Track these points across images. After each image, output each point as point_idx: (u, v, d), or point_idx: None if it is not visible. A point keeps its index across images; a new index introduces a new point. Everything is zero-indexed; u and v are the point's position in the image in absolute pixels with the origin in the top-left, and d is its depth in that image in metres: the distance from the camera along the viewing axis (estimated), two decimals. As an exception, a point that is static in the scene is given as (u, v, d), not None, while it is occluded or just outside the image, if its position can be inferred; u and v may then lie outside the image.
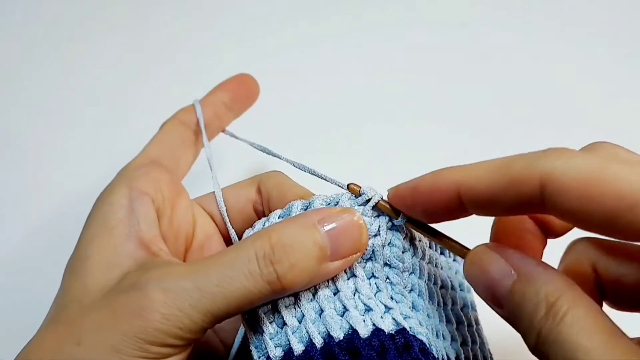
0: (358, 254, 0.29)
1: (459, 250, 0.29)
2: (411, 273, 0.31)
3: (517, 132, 0.57)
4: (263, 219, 0.32)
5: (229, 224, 0.36)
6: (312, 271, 0.28)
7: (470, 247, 0.28)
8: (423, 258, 0.31)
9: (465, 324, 0.34)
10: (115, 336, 0.26)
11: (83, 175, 0.54)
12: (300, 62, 0.62)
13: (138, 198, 0.32)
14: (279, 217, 0.31)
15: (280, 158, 0.35)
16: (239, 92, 0.41)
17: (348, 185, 0.31)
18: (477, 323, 0.36)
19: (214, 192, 0.38)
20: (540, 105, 0.60)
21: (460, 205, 0.27)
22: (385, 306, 0.29)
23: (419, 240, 0.32)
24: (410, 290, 0.31)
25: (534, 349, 0.25)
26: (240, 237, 0.35)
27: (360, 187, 0.30)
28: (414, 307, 0.30)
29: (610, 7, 0.67)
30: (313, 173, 0.33)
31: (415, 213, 0.29)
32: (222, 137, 0.41)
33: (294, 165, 0.34)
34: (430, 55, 0.64)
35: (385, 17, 0.67)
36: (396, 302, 0.29)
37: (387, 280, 0.30)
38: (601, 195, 0.23)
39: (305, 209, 0.31)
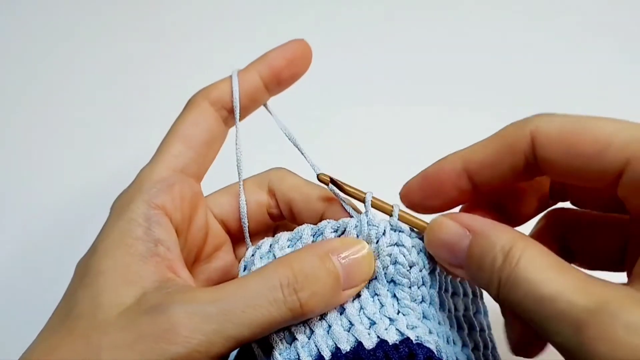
0: (364, 283, 0.31)
1: (420, 225, 0.32)
2: (421, 285, 0.32)
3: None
4: (269, 239, 0.34)
5: (248, 241, 0.37)
6: (328, 299, 0.30)
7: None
8: (434, 269, 0.33)
9: (478, 329, 0.35)
10: (135, 357, 0.26)
11: (88, 175, 0.54)
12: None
13: (156, 218, 0.31)
14: (287, 240, 0.33)
15: (307, 161, 0.35)
16: (284, 72, 0.35)
17: (317, 176, 0.33)
18: (489, 328, 0.37)
19: (221, 191, 0.37)
20: (540, 100, 0.60)
21: (467, 183, 0.30)
22: (390, 319, 0.31)
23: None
24: (421, 302, 0.32)
25: (497, 297, 0.28)
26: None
27: (329, 177, 0.33)
28: (424, 317, 0.32)
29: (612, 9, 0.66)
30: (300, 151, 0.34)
31: (427, 205, 0.32)
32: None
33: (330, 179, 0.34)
34: (422, 37, 0.64)
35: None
36: (403, 314, 0.31)
37: (393, 296, 0.32)
38: (579, 140, 0.27)
39: (314, 234, 0.33)
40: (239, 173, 0.36)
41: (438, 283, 0.33)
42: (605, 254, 0.33)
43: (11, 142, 0.57)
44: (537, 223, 0.35)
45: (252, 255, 0.33)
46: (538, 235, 0.34)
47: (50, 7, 0.66)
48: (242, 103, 0.35)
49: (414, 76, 0.61)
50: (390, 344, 0.29)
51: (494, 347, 0.36)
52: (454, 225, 0.30)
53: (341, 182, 0.33)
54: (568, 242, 0.34)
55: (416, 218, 0.32)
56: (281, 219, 0.37)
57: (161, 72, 0.61)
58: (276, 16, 0.66)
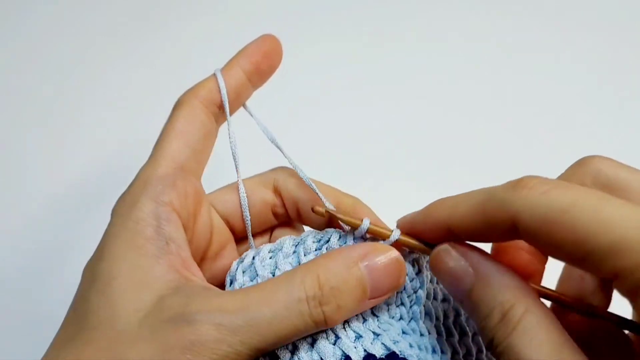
0: (392, 293, 0.31)
1: (423, 249, 0.31)
2: (400, 305, 0.32)
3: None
4: (252, 251, 0.34)
5: (251, 239, 0.37)
6: (353, 309, 0.29)
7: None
8: (422, 285, 0.33)
9: (470, 334, 0.35)
10: None
11: (83, 176, 0.55)
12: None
13: (166, 216, 0.30)
14: (269, 252, 0.33)
15: (284, 155, 0.34)
16: (262, 65, 0.36)
17: (312, 208, 0.32)
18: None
19: (225, 188, 0.36)
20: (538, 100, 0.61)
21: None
22: (374, 333, 0.30)
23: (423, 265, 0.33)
24: (399, 319, 0.32)
25: (487, 349, 0.27)
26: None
27: (326, 211, 0.32)
28: (403, 332, 0.32)
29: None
30: (306, 181, 0.34)
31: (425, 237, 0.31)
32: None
33: (290, 164, 0.34)
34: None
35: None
36: (384, 330, 0.31)
37: (372, 313, 0.32)
38: (562, 241, 0.24)
39: (296, 245, 0.32)
40: (236, 169, 0.36)
41: (426, 293, 0.33)
42: None
43: (12, 142, 0.58)
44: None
45: (236, 269, 0.33)
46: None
47: (62, 9, 0.67)
48: (230, 98, 0.35)
49: (410, 76, 0.61)
50: (377, 357, 0.29)
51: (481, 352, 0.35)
52: (459, 260, 0.29)
53: (338, 215, 0.32)
54: None
55: (418, 243, 0.31)
56: (285, 218, 0.37)
57: (162, 72, 0.62)
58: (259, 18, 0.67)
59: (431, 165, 0.55)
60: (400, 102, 0.60)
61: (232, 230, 0.37)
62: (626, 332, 0.30)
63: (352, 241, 0.32)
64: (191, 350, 0.26)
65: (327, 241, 0.32)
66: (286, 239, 0.33)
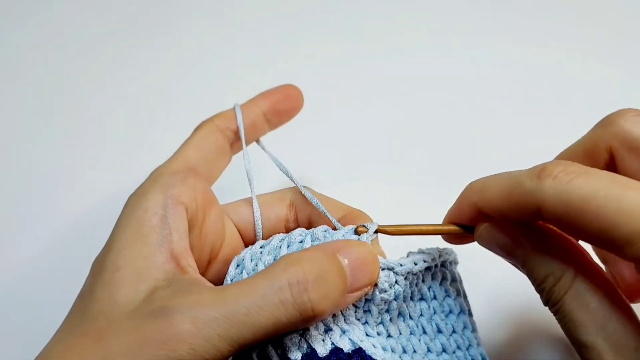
0: (370, 287, 0.31)
1: (444, 230, 0.33)
2: (367, 311, 0.32)
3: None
4: (260, 242, 0.34)
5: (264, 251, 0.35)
6: (337, 301, 0.29)
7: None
8: (397, 298, 0.33)
9: (446, 332, 0.35)
10: None
11: (112, 174, 0.55)
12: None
13: (172, 206, 0.32)
14: (260, 247, 0.33)
15: (294, 183, 0.37)
16: (281, 105, 0.40)
17: (356, 229, 0.33)
18: (466, 327, 0.36)
19: (242, 201, 0.38)
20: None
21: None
22: (341, 329, 0.31)
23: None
24: (365, 323, 0.32)
25: (546, 305, 0.29)
26: None
27: (366, 227, 0.33)
28: (367, 335, 0.32)
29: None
30: (318, 207, 0.35)
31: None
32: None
33: (303, 193, 0.36)
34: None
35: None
36: (351, 328, 0.31)
37: (340, 312, 0.31)
38: (585, 229, 0.26)
39: (285, 238, 0.33)
40: (250, 183, 0.37)
41: (401, 299, 0.33)
42: None
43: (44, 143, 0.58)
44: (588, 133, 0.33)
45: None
46: (586, 149, 0.33)
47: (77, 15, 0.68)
48: (245, 129, 0.39)
49: (410, 77, 0.61)
50: (345, 352, 0.29)
51: (470, 346, 0.36)
52: (508, 239, 0.30)
53: (383, 226, 0.34)
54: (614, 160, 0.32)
55: (455, 227, 0.34)
56: None
57: (187, 77, 0.62)
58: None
59: (433, 168, 0.55)
60: (403, 103, 0.59)
61: (245, 242, 0.38)
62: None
63: (337, 234, 0.33)
64: (167, 344, 0.26)
65: (312, 233, 0.33)
66: (277, 236, 0.34)
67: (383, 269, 0.31)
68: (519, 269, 0.31)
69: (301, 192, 0.37)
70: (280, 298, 0.27)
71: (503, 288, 0.45)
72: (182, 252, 0.31)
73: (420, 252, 0.35)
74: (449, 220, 0.34)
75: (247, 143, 0.39)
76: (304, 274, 0.28)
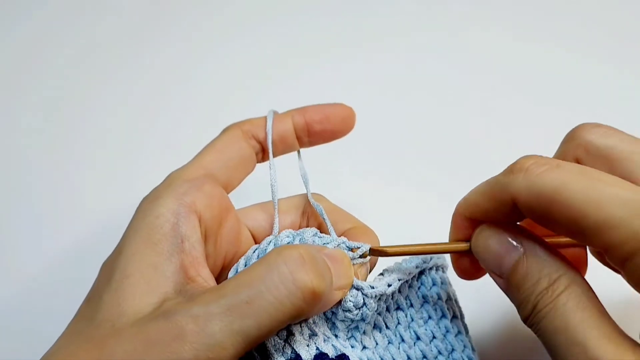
0: (346, 289, 0.31)
1: (448, 248, 0.33)
2: (333, 324, 0.32)
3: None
4: (254, 246, 0.34)
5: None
6: (330, 289, 0.29)
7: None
8: (364, 319, 0.32)
9: (425, 339, 0.35)
10: None
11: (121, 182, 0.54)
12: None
13: (185, 214, 0.31)
14: (254, 252, 0.33)
15: (307, 193, 0.37)
16: (316, 126, 0.37)
17: (370, 249, 0.33)
18: (448, 331, 0.36)
19: (257, 206, 0.38)
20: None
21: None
22: (325, 335, 0.31)
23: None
24: (336, 336, 0.32)
25: (525, 320, 0.29)
26: None
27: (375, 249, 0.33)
28: (351, 346, 0.32)
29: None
30: (321, 214, 0.36)
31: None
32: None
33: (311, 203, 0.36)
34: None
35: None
36: (335, 334, 0.32)
37: (327, 318, 0.32)
38: (556, 218, 0.27)
39: (273, 239, 0.33)
40: (274, 203, 0.36)
41: (371, 315, 0.33)
42: None
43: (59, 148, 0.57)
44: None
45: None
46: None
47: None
48: (273, 140, 0.37)
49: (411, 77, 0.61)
50: (330, 357, 0.30)
51: (453, 350, 0.35)
52: (506, 236, 0.30)
53: (382, 247, 0.33)
54: None
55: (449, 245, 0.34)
56: None
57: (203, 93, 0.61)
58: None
59: (436, 170, 0.54)
60: (403, 102, 0.59)
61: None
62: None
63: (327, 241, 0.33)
64: (172, 345, 0.26)
65: (301, 236, 0.33)
66: (267, 238, 0.34)
67: (351, 288, 0.31)
68: (500, 279, 0.31)
69: (315, 198, 0.37)
70: (279, 278, 0.27)
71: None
72: (193, 262, 0.30)
73: (398, 268, 0.34)
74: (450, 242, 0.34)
75: (274, 154, 0.37)
76: (299, 253, 0.28)
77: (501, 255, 0.30)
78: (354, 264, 0.32)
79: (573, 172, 0.27)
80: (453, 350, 0.35)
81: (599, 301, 0.27)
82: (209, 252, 0.32)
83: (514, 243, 0.30)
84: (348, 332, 0.32)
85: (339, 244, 0.33)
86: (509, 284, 0.30)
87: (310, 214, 0.37)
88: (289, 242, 0.33)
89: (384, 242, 0.35)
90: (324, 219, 0.35)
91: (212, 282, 0.31)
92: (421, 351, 0.34)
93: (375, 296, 0.32)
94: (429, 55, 0.62)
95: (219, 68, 0.62)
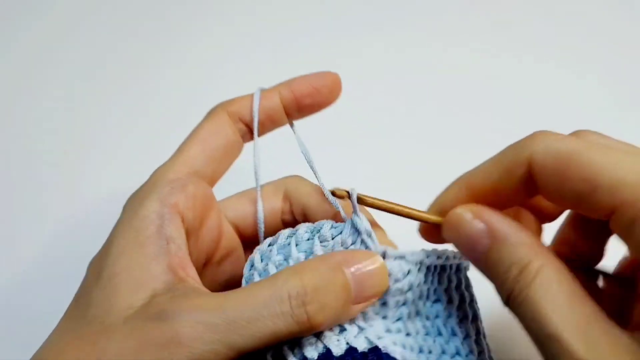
0: (376, 297, 0.31)
1: (422, 217, 0.32)
2: (383, 303, 0.32)
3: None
4: (269, 239, 0.34)
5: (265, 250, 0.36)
6: (339, 312, 0.29)
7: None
8: (411, 288, 0.32)
9: (461, 336, 0.35)
10: None
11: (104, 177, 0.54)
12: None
13: (169, 216, 0.31)
14: (268, 245, 0.33)
15: (317, 179, 0.35)
16: (306, 100, 0.35)
17: (332, 192, 0.34)
18: (479, 333, 0.36)
19: (237, 196, 0.37)
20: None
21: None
22: (359, 327, 0.31)
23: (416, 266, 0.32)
24: (384, 317, 0.32)
25: (506, 304, 0.29)
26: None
27: (346, 191, 0.33)
28: (387, 330, 0.32)
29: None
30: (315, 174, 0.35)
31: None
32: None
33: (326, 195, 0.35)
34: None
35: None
36: (370, 325, 0.31)
37: None
38: (572, 176, 0.27)
39: (292, 236, 0.33)
40: (257, 183, 0.36)
41: (418, 294, 0.33)
42: None
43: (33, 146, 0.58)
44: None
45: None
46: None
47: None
48: (260, 120, 0.35)
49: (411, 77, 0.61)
50: (359, 351, 0.29)
51: (482, 352, 0.35)
52: (476, 223, 0.30)
53: (362, 195, 0.33)
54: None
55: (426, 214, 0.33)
56: (292, 225, 0.37)
57: (185, 80, 0.62)
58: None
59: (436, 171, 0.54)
60: (406, 105, 0.60)
61: (242, 237, 0.38)
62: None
63: (346, 229, 0.32)
64: (167, 347, 0.26)
65: (319, 230, 0.33)
66: (283, 231, 0.34)
67: (395, 259, 0.31)
68: (476, 265, 0.30)
69: (294, 183, 0.37)
70: (280, 309, 0.27)
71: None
72: (180, 263, 0.30)
73: (433, 250, 0.34)
74: (434, 210, 0.33)
75: (261, 133, 0.36)
76: (302, 286, 0.28)
77: (473, 243, 0.30)
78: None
79: (591, 139, 0.28)
80: (481, 352, 0.35)
81: (573, 281, 0.27)
82: (190, 250, 0.32)
83: (484, 229, 0.29)
84: (397, 309, 0.32)
85: (323, 224, 0.32)
86: (486, 270, 0.30)
87: (292, 197, 0.37)
88: (307, 239, 0.33)
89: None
90: (330, 200, 0.34)
91: (200, 283, 0.31)
92: (455, 347, 0.34)
93: (417, 263, 0.32)
94: (426, 50, 0.63)
95: (220, 63, 0.62)
